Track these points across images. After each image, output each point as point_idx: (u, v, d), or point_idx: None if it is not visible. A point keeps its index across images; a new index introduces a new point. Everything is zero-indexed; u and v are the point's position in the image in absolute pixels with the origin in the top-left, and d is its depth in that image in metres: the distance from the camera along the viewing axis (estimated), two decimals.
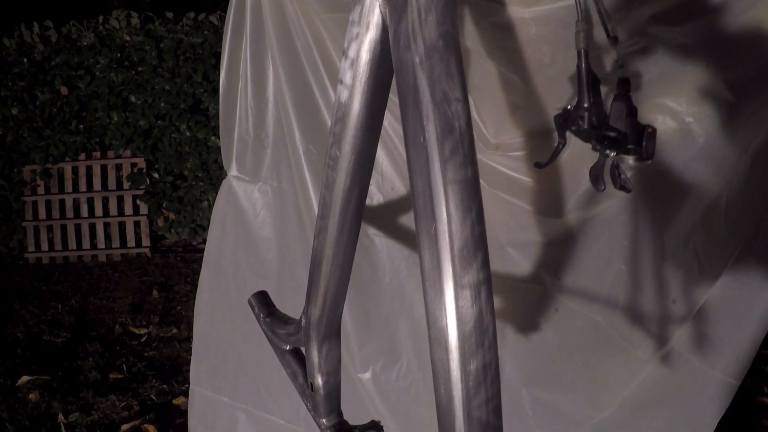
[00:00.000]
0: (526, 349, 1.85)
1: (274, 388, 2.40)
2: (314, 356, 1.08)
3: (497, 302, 1.81)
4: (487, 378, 0.71)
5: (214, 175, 5.65)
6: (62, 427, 3.23)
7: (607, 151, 0.91)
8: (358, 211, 0.90)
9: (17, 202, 6.15)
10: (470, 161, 0.68)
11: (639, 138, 0.92)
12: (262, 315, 1.31)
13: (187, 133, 5.65)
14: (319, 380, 1.10)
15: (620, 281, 1.70)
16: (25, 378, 3.71)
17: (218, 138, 5.43)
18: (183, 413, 3.09)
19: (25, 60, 5.96)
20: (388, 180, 1.82)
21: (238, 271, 2.16)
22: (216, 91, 5.49)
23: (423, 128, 0.67)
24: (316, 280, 0.98)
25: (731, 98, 1.48)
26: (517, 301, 1.80)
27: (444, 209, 0.67)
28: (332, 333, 1.07)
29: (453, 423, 0.71)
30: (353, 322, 1.92)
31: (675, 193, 1.60)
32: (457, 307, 0.67)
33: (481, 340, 0.69)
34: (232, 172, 2.03)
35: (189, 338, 2.52)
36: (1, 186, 6.13)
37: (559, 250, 1.73)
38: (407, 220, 1.85)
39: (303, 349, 1.24)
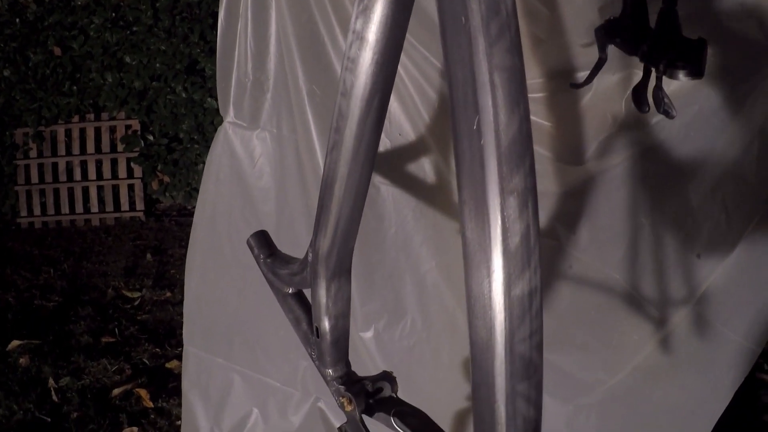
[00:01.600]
0: None
1: (270, 349, 2.31)
2: (321, 296, 0.97)
3: None
4: (531, 307, 0.60)
5: (210, 137, 5.46)
6: (52, 392, 3.16)
7: (656, 65, 0.80)
8: (378, 124, 0.78)
9: (9, 166, 6.03)
10: (517, 50, 0.57)
11: (689, 51, 0.81)
12: (262, 256, 1.20)
13: (183, 95, 5.52)
14: (326, 324, 0.99)
15: (641, 235, 1.60)
16: (15, 342, 3.63)
17: (215, 99, 5.35)
18: (176, 377, 3.01)
19: (18, 20, 5.79)
20: (396, 124, 1.71)
21: (233, 225, 2.06)
22: (213, 51, 5.36)
23: (465, 7, 0.56)
24: (326, 206, 0.87)
25: (764, 38, 1.38)
26: None
27: (489, 99, 0.55)
28: (342, 270, 0.96)
29: (492, 360, 0.61)
30: (355, 276, 1.80)
31: (703, 139, 1.51)
32: (503, 217, 0.56)
33: (528, 259, 0.58)
34: (229, 118, 1.92)
35: (183, 301, 2.44)
36: None
37: (576, 201, 1.63)
38: (416, 168, 1.74)
39: (307, 292, 1.14)
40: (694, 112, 1.47)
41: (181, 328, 2.50)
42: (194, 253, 2.20)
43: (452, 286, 1.80)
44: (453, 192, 1.71)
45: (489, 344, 0.61)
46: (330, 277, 0.94)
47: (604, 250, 1.67)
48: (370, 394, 1.04)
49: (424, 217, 1.76)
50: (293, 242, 1.85)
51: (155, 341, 3.64)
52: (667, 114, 0.90)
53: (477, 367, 0.63)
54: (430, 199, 1.75)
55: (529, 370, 0.63)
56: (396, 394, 1.07)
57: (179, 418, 2.77)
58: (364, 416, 1.03)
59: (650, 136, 1.53)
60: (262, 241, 1.21)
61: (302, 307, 1.14)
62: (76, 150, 5.96)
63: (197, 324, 2.40)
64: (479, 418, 0.65)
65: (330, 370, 1.07)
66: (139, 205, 5.95)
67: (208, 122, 5.57)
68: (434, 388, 1.91)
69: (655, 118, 1.52)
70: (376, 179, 1.75)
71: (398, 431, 1.02)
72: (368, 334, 1.88)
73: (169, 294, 4.26)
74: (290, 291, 1.15)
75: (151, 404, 3.05)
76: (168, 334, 3.71)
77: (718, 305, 1.63)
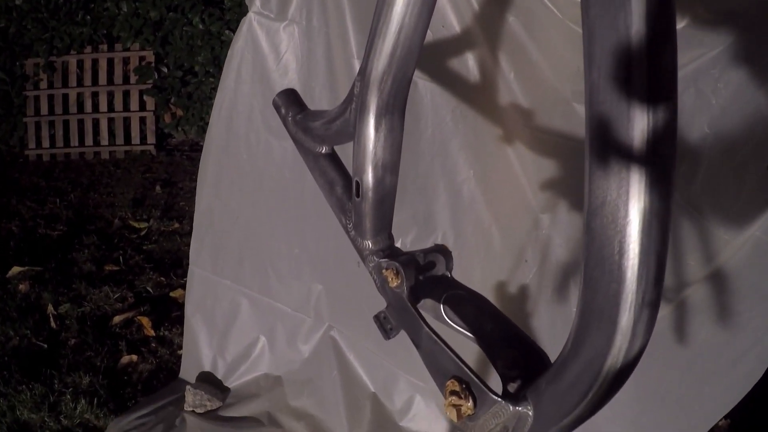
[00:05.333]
0: (581, 230, 1.58)
1: (283, 269, 2.17)
2: (368, 138, 0.79)
3: (555, 167, 1.54)
4: (672, 81, 0.48)
5: None
6: (51, 318, 3.05)
7: None
8: None
9: (19, 98, 5.90)
10: None
11: None
12: (291, 113, 1.02)
13: (200, 26, 5.36)
14: (370, 177, 0.81)
15: (704, 146, 1.43)
16: (16, 269, 3.52)
17: (233, 32, 5.16)
18: (180, 306, 2.89)
19: None
20: (439, 14, 1.53)
21: (252, 128, 1.91)
22: None
23: None
24: (386, 13, 0.70)
25: None
26: (576, 169, 1.52)
27: None
28: (397, 103, 0.78)
29: (627, 151, 0.48)
30: None
31: None
32: None
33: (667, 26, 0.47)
34: (254, 8, 1.77)
35: (191, 233, 2.30)
36: (3, 80, 5.86)
37: None
38: (459, 63, 1.57)
39: (340, 151, 0.97)
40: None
41: (188, 259, 2.39)
42: (207, 159, 2.05)
43: (490, 201, 1.65)
44: (498, 92, 1.54)
45: (626, 130, 0.46)
46: (382, 111, 0.77)
47: None
48: (420, 268, 0.87)
49: (465, 120, 1.60)
50: None
51: (160, 270, 3.52)
52: None
53: (599, 165, 0.49)
54: (472, 100, 1.58)
55: (665, 181, 0.48)
56: (451, 273, 0.90)
57: (181, 347, 2.65)
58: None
59: (723, 33, 1.36)
60: (291, 99, 1.04)
61: (337, 168, 0.96)
62: (87, 81, 5.81)
63: (206, 241, 2.26)
64: (596, 257, 0.51)
65: (369, 242, 0.88)
66: (151, 138, 5.82)
67: (224, 55, 5.32)
68: None
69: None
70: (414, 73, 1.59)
71: (448, 323, 0.85)
72: None
73: (177, 225, 4.14)
74: (323, 150, 0.98)
75: (152, 332, 2.93)
76: (174, 264, 3.59)
77: None
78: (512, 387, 0.75)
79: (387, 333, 0.88)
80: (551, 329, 1.67)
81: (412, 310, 0.81)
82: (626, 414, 1.71)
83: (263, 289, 2.23)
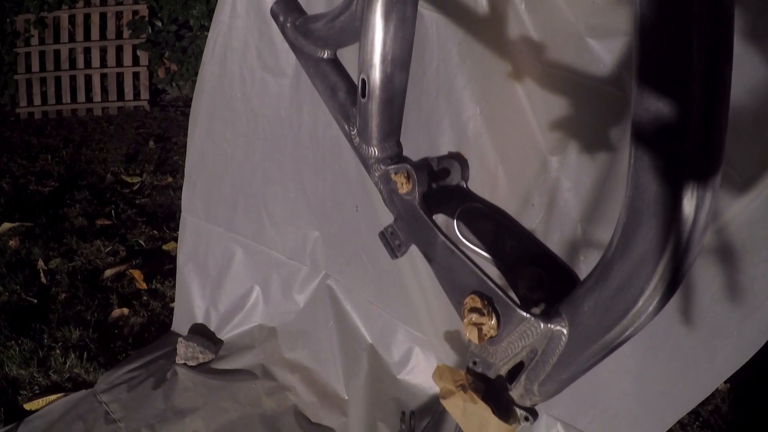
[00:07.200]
0: (591, 174, 1.51)
1: (278, 215, 2.10)
2: (377, 28, 0.71)
3: (566, 106, 1.46)
4: None
5: None
6: (41, 273, 3.00)
7: None
8: None
9: (9, 55, 5.77)
10: None
11: None
12: (290, 19, 0.94)
13: None
14: (378, 73, 0.73)
15: None
16: (6, 225, 3.47)
17: None
18: (172, 259, 2.83)
19: None
20: None
21: (247, 65, 1.83)
22: None
23: None
24: None
25: None
26: (588, 109, 1.44)
27: None
28: None
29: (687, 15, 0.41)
30: None
31: None
32: None
33: None
34: None
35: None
36: None
37: None
38: None
39: (344, 55, 0.89)
40: None
41: (182, 212, 2.34)
42: (200, 100, 1.96)
43: (496, 140, 1.57)
44: (507, 25, 1.46)
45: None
46: None
47: None
48: (434, 174, 0.79)
49: (471, 55, 1.52)
50: None
51: (153, 224, 3.47)
52: None
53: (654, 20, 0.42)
54: (480, 33, 1.50)
55: (726, 44, 0.42)
56: (467, 184, 0.82)
57: (173, 300, 2.60)
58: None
59: None
60: (291, 5, 0.96)
61: (339, 73, 0.88)
62: (79, 37, 5.68)
63: (198, 186, 2.18)
64: (649, 132, 0.45)
65: (375, 149, 0.80)
66: (144, 94, 5.70)
67: None
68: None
69: None
70: (420, 4, 1.50)
71: (462, 242, 0.78)
72: None
73: (170, 179, 4.07)
74: (325, 55, 0.90)
75: (144, 285, 2.88)
76: (167, 217, 3.53)
77: None
78: (536, 312, 0.69)
79: (395, 250, 0.80)
80: None
81: (425, 218, 0.73)
82: (631, 368, 1.65)
83: (257, 236, 2.17)
